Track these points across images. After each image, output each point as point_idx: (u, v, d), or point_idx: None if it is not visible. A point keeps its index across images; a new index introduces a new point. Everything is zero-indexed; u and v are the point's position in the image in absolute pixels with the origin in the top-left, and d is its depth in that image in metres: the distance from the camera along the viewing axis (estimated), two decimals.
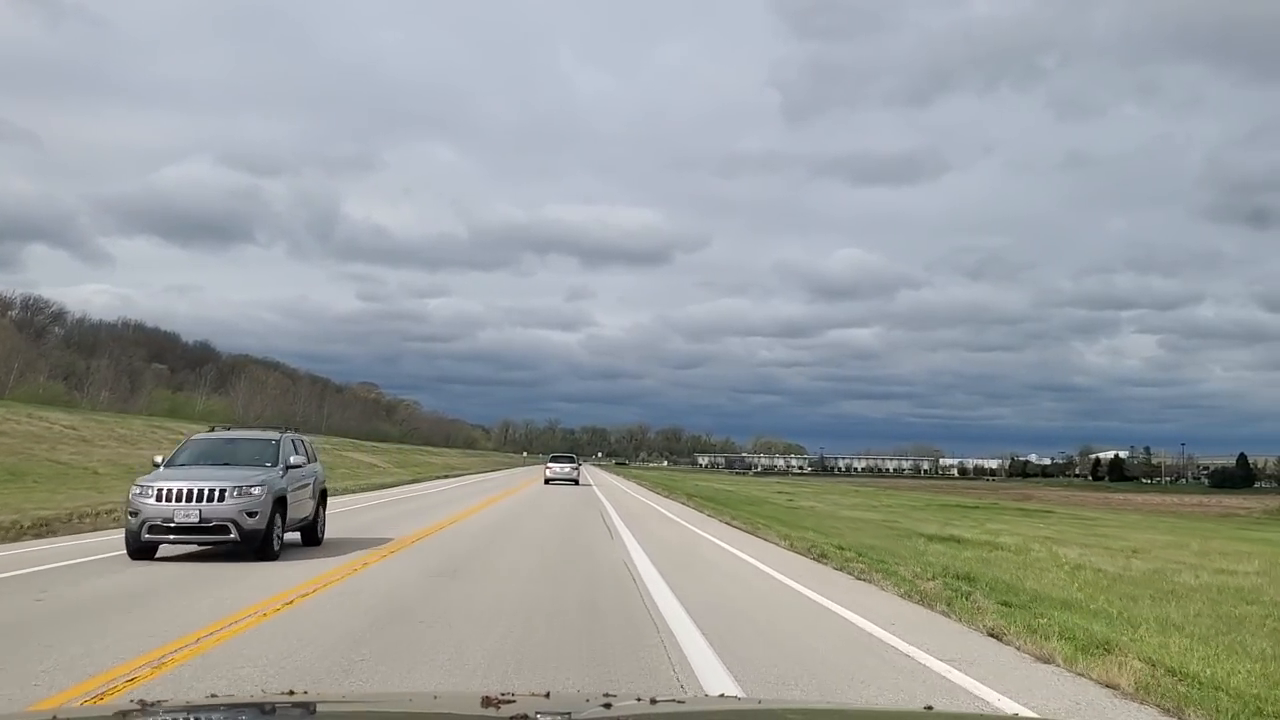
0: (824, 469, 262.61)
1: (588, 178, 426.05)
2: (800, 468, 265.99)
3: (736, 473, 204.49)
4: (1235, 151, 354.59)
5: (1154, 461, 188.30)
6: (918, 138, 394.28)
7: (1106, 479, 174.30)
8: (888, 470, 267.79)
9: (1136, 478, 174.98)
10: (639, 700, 2.41)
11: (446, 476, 60.88)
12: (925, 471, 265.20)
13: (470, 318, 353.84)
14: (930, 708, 2.99)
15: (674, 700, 2.84)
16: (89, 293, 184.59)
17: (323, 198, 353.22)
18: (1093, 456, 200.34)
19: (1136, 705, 6.01)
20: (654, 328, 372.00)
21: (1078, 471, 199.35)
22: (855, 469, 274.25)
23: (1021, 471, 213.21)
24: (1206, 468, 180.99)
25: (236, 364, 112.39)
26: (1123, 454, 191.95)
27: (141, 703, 2.25)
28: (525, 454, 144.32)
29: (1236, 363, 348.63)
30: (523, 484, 48.69)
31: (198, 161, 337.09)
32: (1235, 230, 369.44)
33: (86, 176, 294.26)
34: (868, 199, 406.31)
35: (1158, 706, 5.91)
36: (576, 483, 48.58)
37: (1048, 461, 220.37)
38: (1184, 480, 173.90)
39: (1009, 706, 5.82)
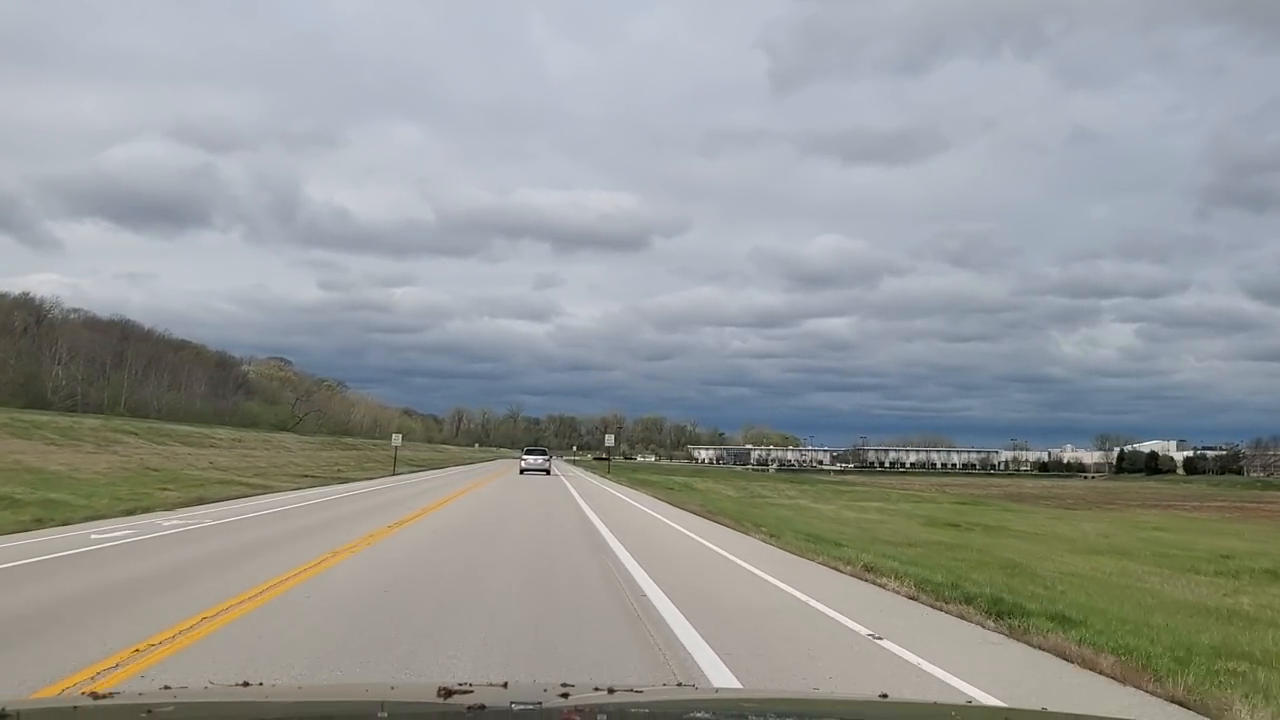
0: (864, 465, 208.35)
1: (561, 158, 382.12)
2: (836, 463, 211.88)
3: (754, 469, 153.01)
4: (1242, 129, 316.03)
5: None
6: (912, 113, 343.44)
7: None
8: (950, 466, 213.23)
9: None
10: (596, 690, 2.35)
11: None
12: (994, 468, 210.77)
13: (437, 308, 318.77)
14: (885, 696, 2.92)
15: (630, 690, 2.52)
16: (36, 282, 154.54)
17: (282, 177, 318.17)
18: None
19: None
20: (625, 317, 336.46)
21: (1238, 466, 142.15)
22: (903, 464, 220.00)
23: (1148, 465, 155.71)
24: None
25: None
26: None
27: (93, 694, 2.22)
28: (400, 437, 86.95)
29: (1210, 353, 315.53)
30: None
31: (149, 137, 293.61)
32: (1230, 213, 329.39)
33: (27, 155, 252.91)
34: (855, 180, 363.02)
35: None
36: (549, 473, 49.39)
37: (1181, 453, 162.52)
38: None
39: None
